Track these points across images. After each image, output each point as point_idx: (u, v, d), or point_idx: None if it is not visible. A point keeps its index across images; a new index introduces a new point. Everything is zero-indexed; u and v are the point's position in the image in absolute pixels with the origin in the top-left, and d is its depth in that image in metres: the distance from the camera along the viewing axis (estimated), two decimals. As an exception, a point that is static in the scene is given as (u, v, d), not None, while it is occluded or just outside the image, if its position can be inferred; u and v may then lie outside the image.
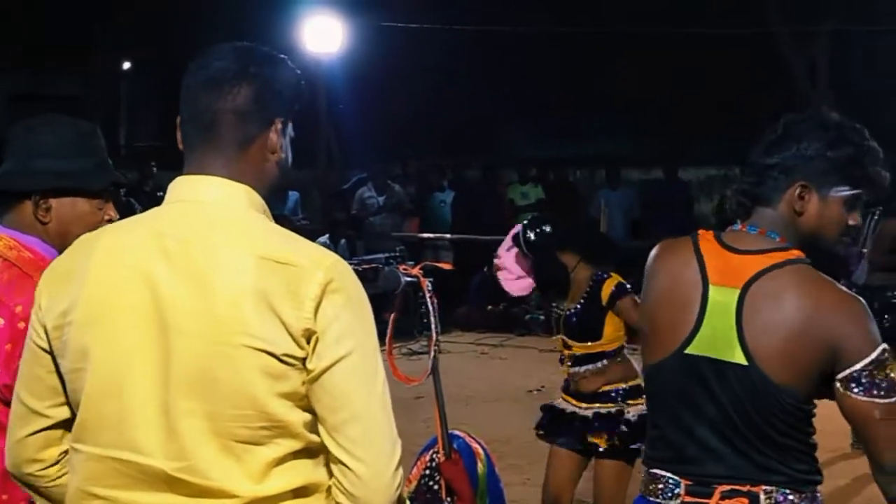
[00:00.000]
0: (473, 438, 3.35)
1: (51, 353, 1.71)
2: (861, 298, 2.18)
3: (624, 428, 4.02)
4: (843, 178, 2.22)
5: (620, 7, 15.89)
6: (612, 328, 4.13)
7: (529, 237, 4.23)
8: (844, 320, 2.11)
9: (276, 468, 1.64)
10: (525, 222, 4.34)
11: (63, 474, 1.76)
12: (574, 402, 4.19)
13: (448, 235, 12.10)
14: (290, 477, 1.65)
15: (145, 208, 1.83)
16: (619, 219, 11.56)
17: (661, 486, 2.25)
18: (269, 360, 1.60)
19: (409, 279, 3.03)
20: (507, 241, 4.32)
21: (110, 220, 2.29)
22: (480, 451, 3.36)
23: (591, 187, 13.47)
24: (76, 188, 2.32)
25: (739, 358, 2.15)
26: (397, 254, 10.57)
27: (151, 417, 1.62)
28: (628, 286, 4.06)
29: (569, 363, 4.21)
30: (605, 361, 4.13)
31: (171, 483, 1.63)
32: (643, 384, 2.91)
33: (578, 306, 4.18)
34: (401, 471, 1.67)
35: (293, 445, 1.65)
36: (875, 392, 2.09)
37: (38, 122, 2.40)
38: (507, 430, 6.09)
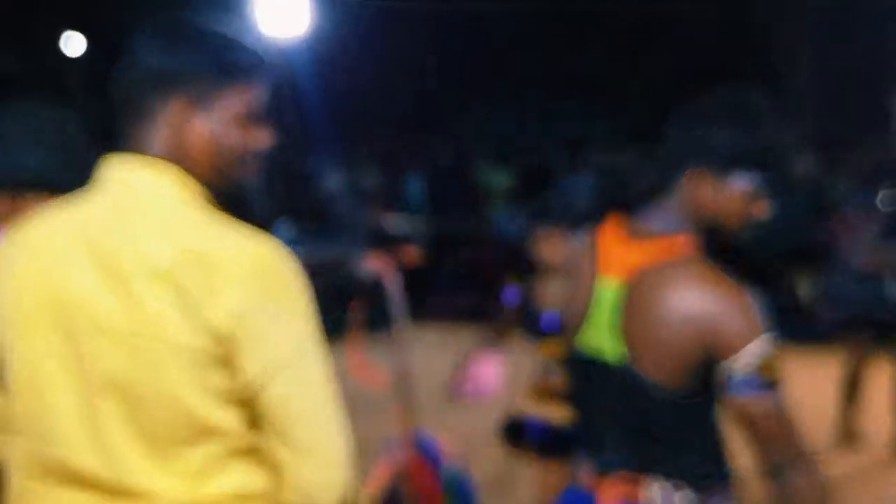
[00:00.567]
0: (441, 437, 3.25)
1: None
2: (746, 291, 2.08)
3: None
4: (741, 167, 2.13)
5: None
6: None
7: None
8: (720, 316, 2.03)
9: (208, 470, 1.59)
10: None
11: None
12: None
13: (417, 222, 11.95)
14: (226, 479, 1.61)
15: None
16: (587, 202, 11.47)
17: (572, 468, 2.36)
18: (188, 358, 1.54)
19: (374, 268, 2.87)
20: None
21: None
22: (448, 449, 3.26)
23: (562, 170, 13.38)
24: (45, 186, 2.16)
25: (615, 353, 2.14)
26: (363, 241, 10.43)
27: (75, 417, 1.59)
28: None
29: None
30: None
31: (98, 483, 1.60)
32: None
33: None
34: (351, 471, 1.63)
35: (226, 446, 1.60)
36: (748, 391, 2.02)
37: (20, 111, 2.26)
38: (477, 427, 5.98)
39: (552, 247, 3.88)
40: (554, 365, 3.95)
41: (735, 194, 2.15)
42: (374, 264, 3.07)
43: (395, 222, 11.93)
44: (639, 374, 2.11)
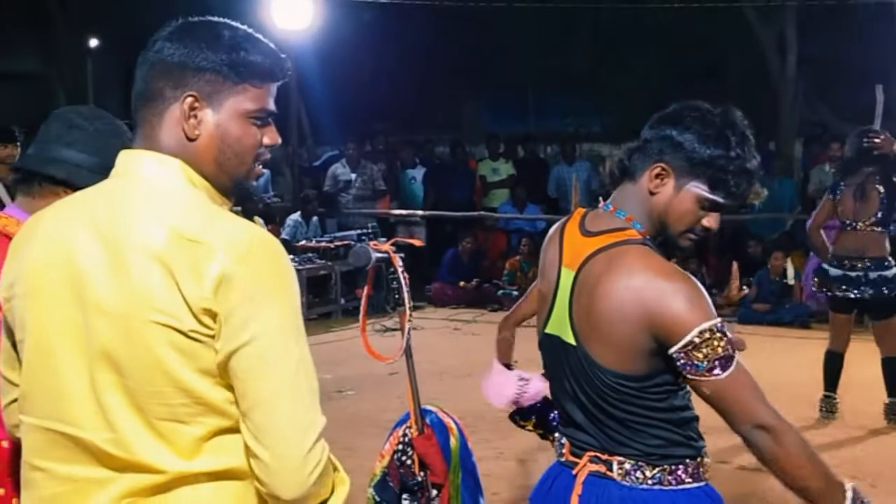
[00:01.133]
0: (446, 413, 3.35)
1: (9, 324, 1.76)
2: (690, 276, 2.13)
3: None
4: (703, 177, 2.17)
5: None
6: None
7: None
8: (663, 300, 2.07)
9: (204, 445, 1.63)
10: None
11: None
12: None
13: (419, 212, 12.11)
14: (221, 455, 1.64)
15: None
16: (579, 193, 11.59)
17: (556, 444, 2.41)
18: (176, 336, 1.59)
19: (380, 255, 3.02)
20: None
21: None
22: (453, 425, 3.36)
23: (559, 162, 13.48)
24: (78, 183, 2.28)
25: (570, 338, 2.22)
26: (369, 231, 10.57)
27: (82, 391, 1.64)
28: None
29: None
30: None
31: (101, 456, 1.64)
32: None
33: None
34: (314, 457, 1.62)
35: (221, 423, 1.64)
36: (696, 371, 2.08)
37: (77, 112, 2.43)
38: (480, 405, 6.08)
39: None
40: None
41: (688, 198, 2.19)
42: (379, 251, 3.21)
43: (399, 212, 12.09)
44: (594, 360, 2.16)
